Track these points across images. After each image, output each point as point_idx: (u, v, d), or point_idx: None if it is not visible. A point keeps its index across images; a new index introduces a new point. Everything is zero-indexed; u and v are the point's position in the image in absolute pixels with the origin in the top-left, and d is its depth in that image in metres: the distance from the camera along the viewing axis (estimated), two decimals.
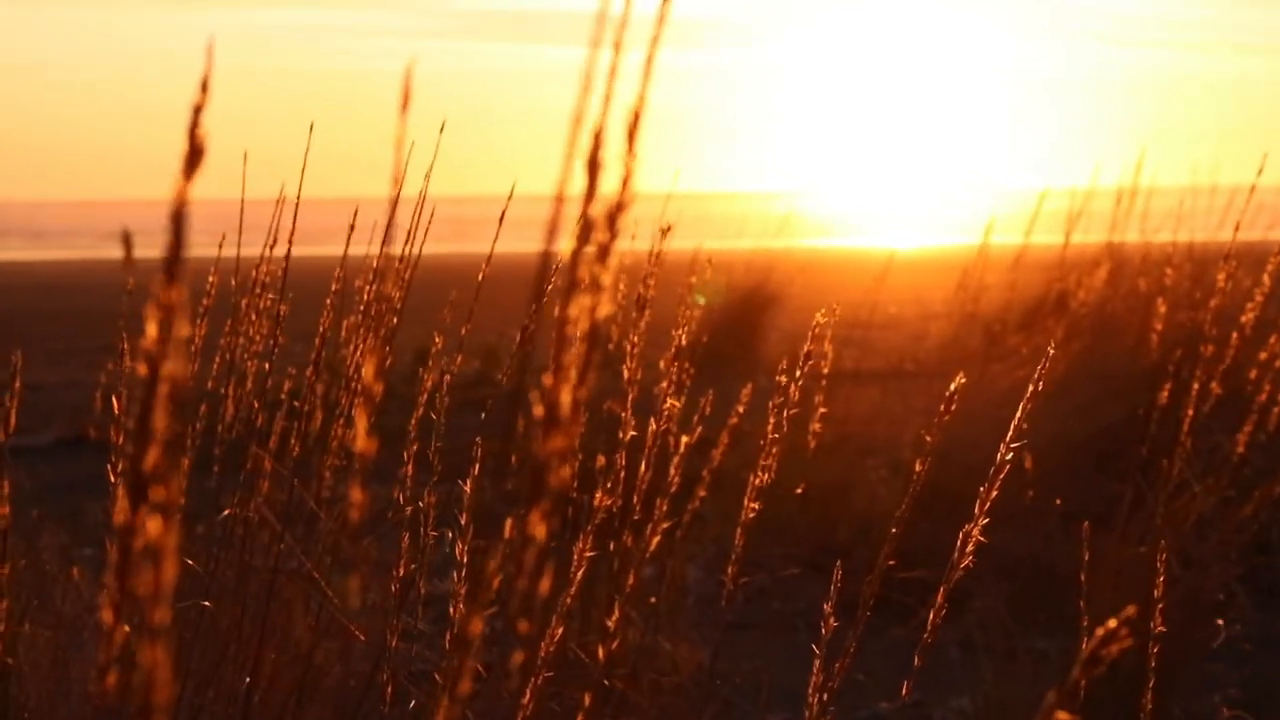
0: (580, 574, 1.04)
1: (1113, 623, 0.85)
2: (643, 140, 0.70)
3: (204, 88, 0.65)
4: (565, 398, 0.68)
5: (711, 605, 4.98)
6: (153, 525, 0.59)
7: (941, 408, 1.62)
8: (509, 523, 0.72)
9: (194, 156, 0.63)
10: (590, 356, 0.72)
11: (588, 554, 1.06)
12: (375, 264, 3.01)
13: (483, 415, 2.89)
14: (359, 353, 2.92)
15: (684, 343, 3.36)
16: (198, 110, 0.64)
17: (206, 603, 2.80)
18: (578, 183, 0.69)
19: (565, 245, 0.71)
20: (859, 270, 7.33)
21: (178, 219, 0.62)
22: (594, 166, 0.69)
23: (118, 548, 0.61)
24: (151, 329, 0.62)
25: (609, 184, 0.70)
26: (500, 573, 0.72)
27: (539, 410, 0.68)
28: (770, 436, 2.60)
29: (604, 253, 0.71)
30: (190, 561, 2.95)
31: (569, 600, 1.14)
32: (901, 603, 4.52)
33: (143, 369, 0.61)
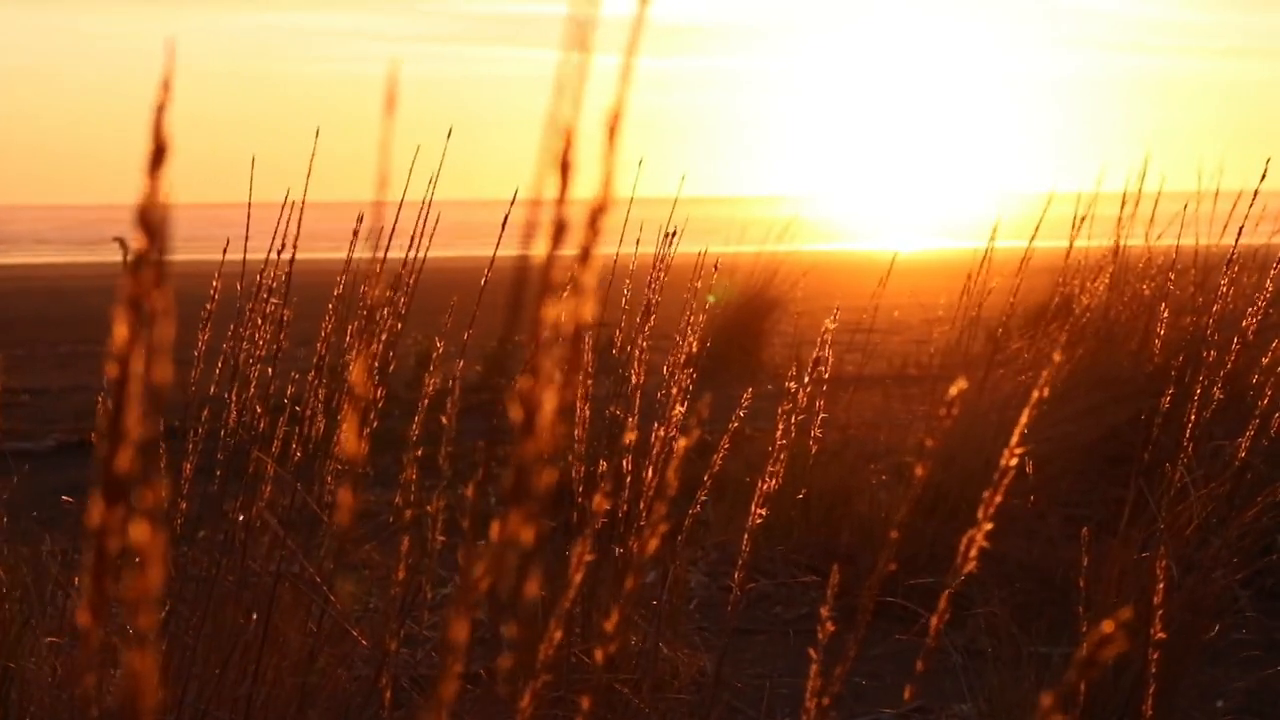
0: (578, 577, 1.04)
1: (1108, 626, 0.85)
2: (621, 141, 0.70)
3: (165, 87, 0.65)
4: (544, 400, 0.68)
5: (714, 611, 4.98)
6: (136, 530, 0.59)
7: (942, 411, 1.62)
8: (494, 525, 0.72)
9: (158, 155, 0.63)
10: (575, 359, 0.72)
11: (586, 557, 1.06)
12: (376, 269, 3.01)
13: (493, 420, 2.89)
14: (360, 356, 2.92)
15: (692, 349, 3.36)
16: (160, 109, 0.64)
17: (209, 607, 2.80)
18: (555, 185, 0.69)
19: (539, 248, 0.71)
20: (862, 275, 7.33)
21: (148, 219, 0.62)
22: (565, 167, 0.68)
23: (93, 550, 0.61)
24: (121, 330, 0.61)
25: (589, 186, 0.70)
26: (487, 574, 0.72)
27: (517, 413, 0.68)
28: (779, 442, 2.59)
29: (585, 254, 0.71)
30: (189, 566, 2.95)
31: (566, 604, 1.13)
32: (905, 608, 4.51)
33: (113, 370, 0.61)
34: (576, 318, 0.70)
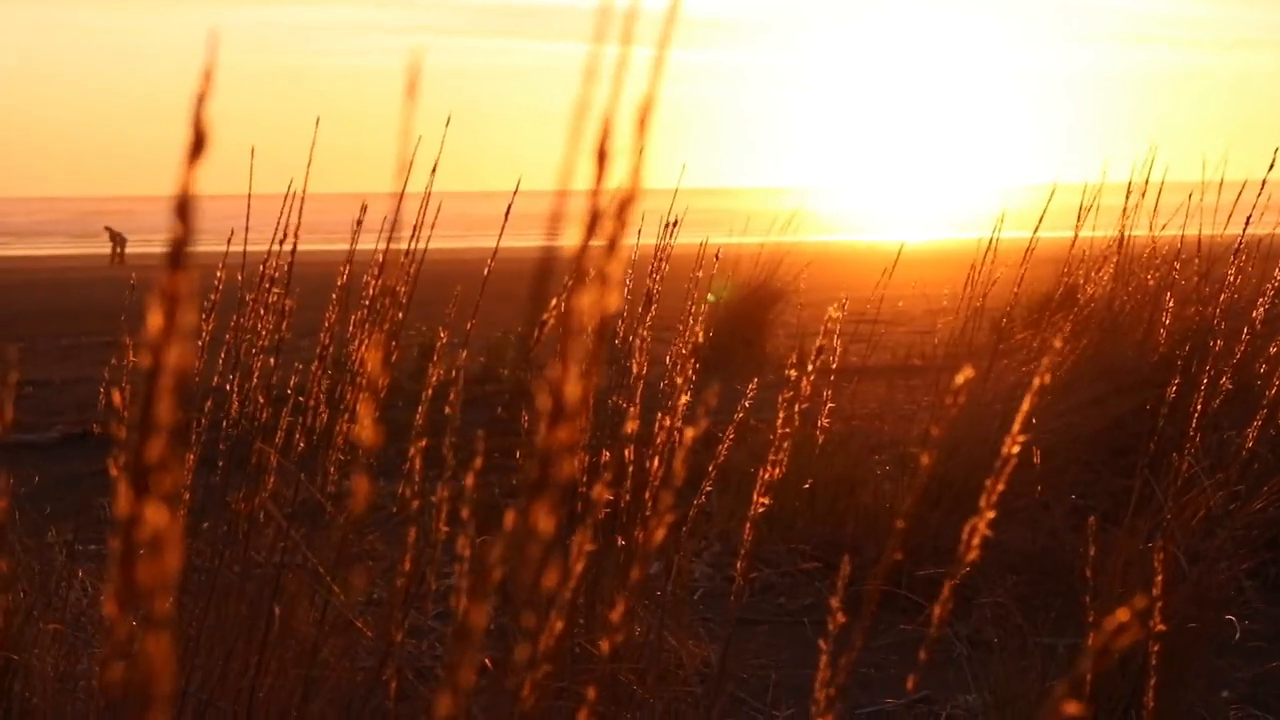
0: (580, 567, 1.03)
1: (1123, 615, 0.84)
2: (652, 132, 0.69)
3: (207, 77, 0.64)
4: (571, 389, 0.68)
5: (718, 601, 4.97)
6: (154, 515, 0.59)
7: (949, 401, 1.61)
8: (508, 515, 0.71)
9: (198, 145, 0.63)
10: (598, 349, 0.71)
11: (588, 547, 1.05)
12: (381, 259, 3.01)
13: (500, 410, 2.89)
14: (364, 347, 2.91)
15: (698, 339, 3.35)
16: (201, 99, 0.64)
17: (212, 599, 2.79)
18: (584, 175, 0.68)
19: (570, 238, 0.71)
20: (866, 265, 7.32)
21: (184, 208, 0.61)
22: (602, 156, 0.68)
23: (121, 539, 0.60)
24: (156, 319, 0.61)
25: (616, 176, 0.69)
26: (502, 565, 0.71)
27: (544, 402, 0.67)
28: (781, 431, 2.58)
29: (612, 245, 0.70)
30: (193, 557, 2.95)
31: (569, 594, 1.13)
32: (909, 598, 4.51)
33: (146, 359, 0.60)
34: (601, 308, 0.69)
